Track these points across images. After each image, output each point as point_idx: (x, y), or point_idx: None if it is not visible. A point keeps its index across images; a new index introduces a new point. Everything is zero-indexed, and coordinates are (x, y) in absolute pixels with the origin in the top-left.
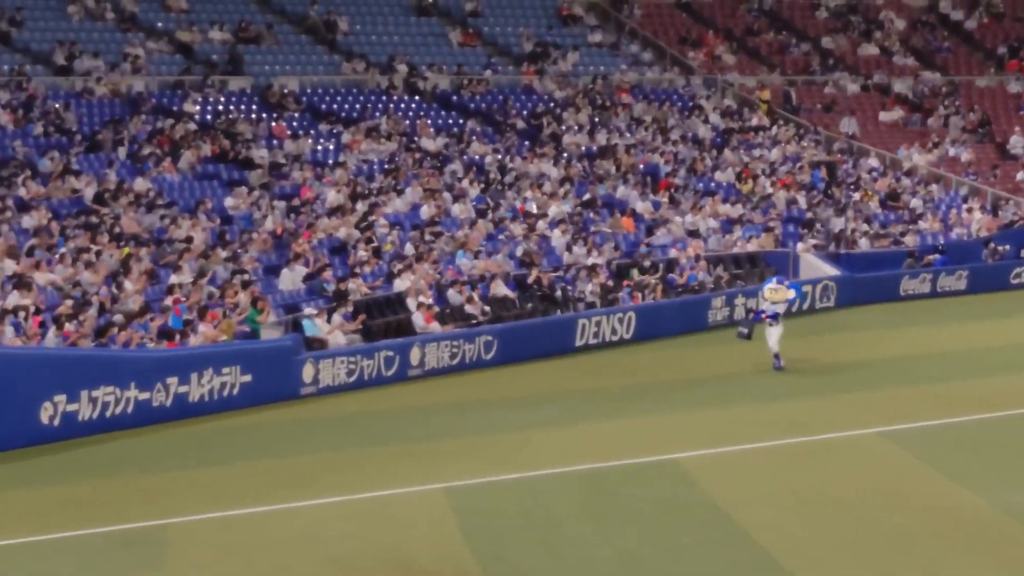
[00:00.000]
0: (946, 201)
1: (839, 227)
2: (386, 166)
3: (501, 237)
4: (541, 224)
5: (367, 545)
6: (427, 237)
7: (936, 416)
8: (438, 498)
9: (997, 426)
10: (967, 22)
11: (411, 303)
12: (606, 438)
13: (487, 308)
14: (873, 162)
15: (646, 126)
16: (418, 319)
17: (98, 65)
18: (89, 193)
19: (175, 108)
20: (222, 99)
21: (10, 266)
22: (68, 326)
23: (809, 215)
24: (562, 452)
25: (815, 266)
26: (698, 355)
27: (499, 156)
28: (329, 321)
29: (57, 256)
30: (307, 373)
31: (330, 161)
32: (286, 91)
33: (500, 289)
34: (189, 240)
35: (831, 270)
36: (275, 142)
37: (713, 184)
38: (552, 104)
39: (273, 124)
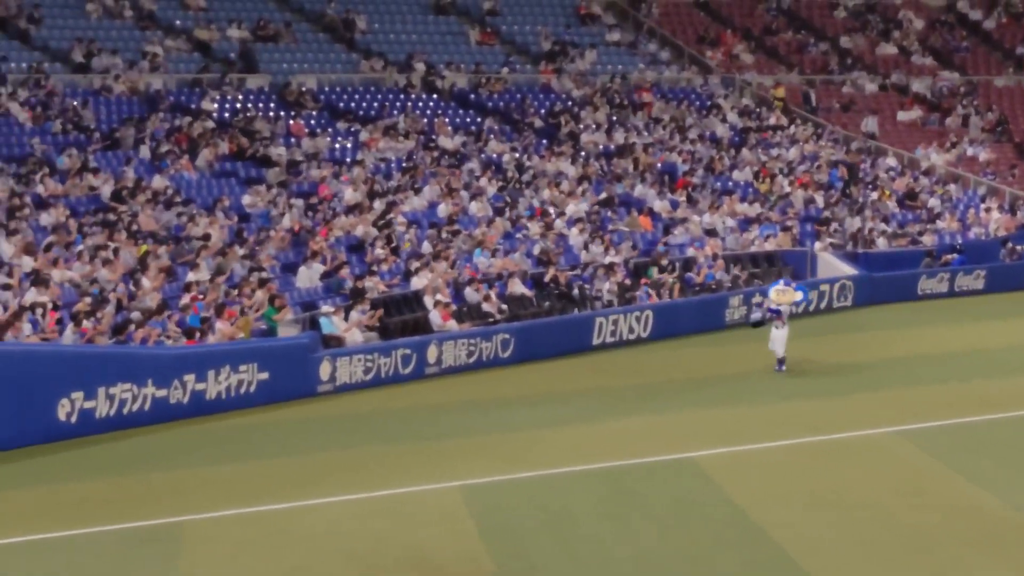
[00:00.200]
0: (964, 201)
1: (855, 226)
2: (404, 164)
3: (519, 235)
4: (559, 223)
5: (384, 543)
6: (444, 235)
7: (953, 416)
8: (454, 496)
9: (1014, 426)
10: (986, 22)
11: (428, 301)
12: (623, 436)
13: (504, 306)
14: (891, 161)
15: (664, 125)
16: (435, 317)
17: (116, 63)
18: (107, 191)
19: (193, 106)
20: (240, 97)
21: (28, 263)
22: (86, 323)
23: (826, 214)
24: (579, 450)
25: (833, 265)
26: (715, 354)
27: (517, 155)
28: (346, 319)
29: (75, 253)
30: (324, 371)
31: (348, 159)
32: (304, 89)
33: (517, 287)
34: (207, 238)
35: (849, 269)
36: (293, 140)
37: (731, 183)
38: (570, 103)
39: (291, 122)
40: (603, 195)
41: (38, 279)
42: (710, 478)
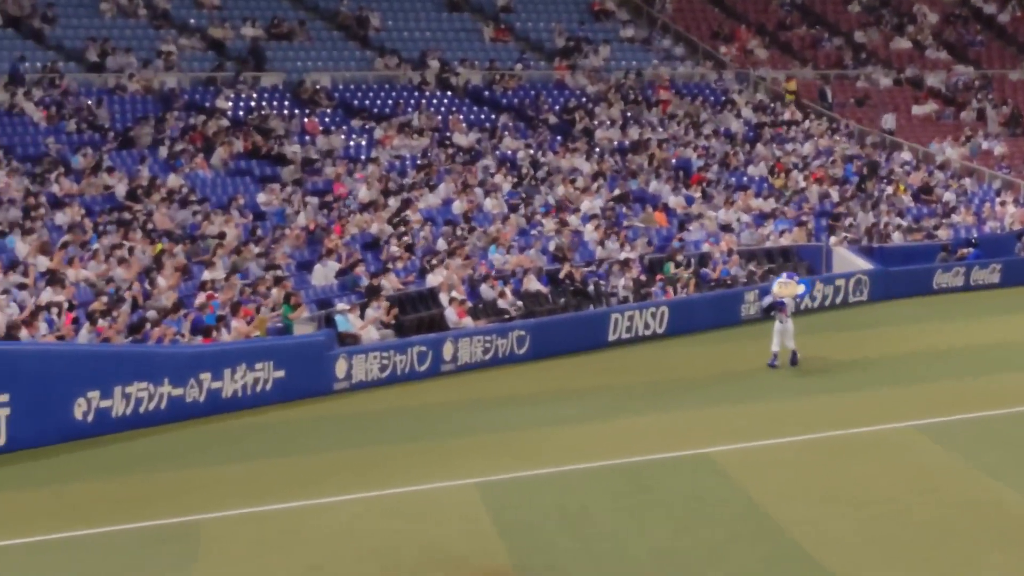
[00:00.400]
0: (979, 195)
1: (869, 221)
2: (418, 162)
3: (534, 232)
4: (573, 219)
5: (402, 540)
6: (459, 232)
7: (971, 410)
8: (471, 493)
9: None
10: (1000, 15)
11: (444, 298)
12: (639, 433)
13: (520, 303)
14: (906, 156)
15: (678, 121)
16: (451, 314)
17: (131, 62)
18: (122, 189)
19: (207, 104)
20: (254, 95)
21: (43, 263)
22: (101, 322)
23: (840, 209)
24: (595, 447)
25: (848, 260)
26: (731, 350)
27: (531, 151)
28: (362, 316)
29: (90, 252)
30: (340, 369)
31: (362, 157)
32: (318, 87)
33: (533, 284)
34: (222, 236)
35: (864, 264)
36: (307, 138)
37: (745, 178)
38: (584, 99)
39: (305, 120)
40: (617, 191)
41: (54, 278)
42: (726, 474)
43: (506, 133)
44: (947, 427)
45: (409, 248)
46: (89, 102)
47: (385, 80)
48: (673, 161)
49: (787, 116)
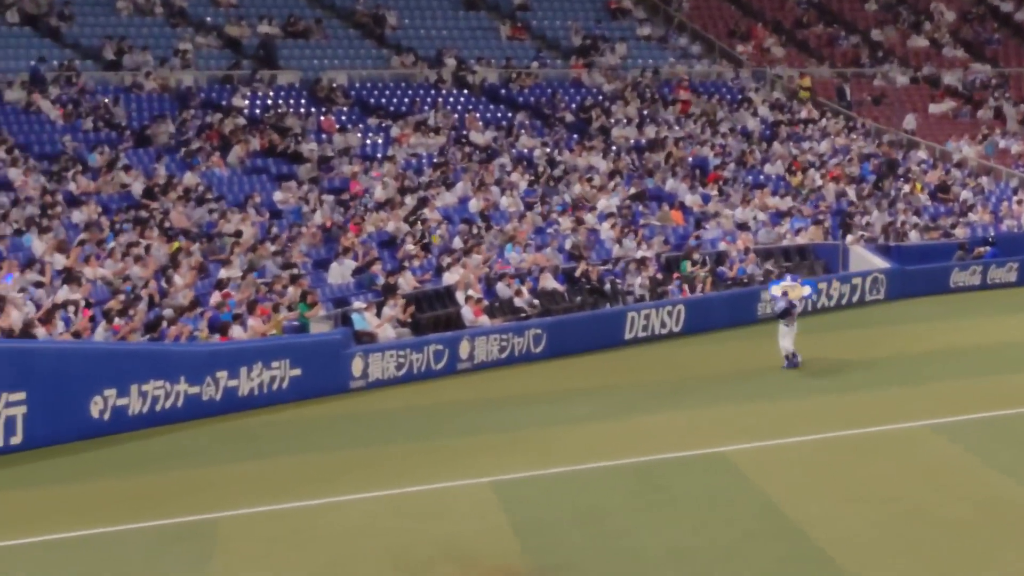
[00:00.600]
0: (996, 193)
1: (885, 220)
2: (435, 160)
3: (550, 230)
4: (590, 217)
5: (418, 538)
6: (476, 231)
7: (987, 409)
8: (487, 491)
9: None
10: (1017, 14)
11: (460, 296)
12: (655, 431)
13: (536, 301)
14: (923, 154)
15: (695, 119)
16: (467, 312)
17: (147, 60)
18: (138, 188)
19: (224, 103)
20: (271, 93)
21: (60, 261)
22: (118, 320)
23: (856, 208)
24: (611, 445)
25: (865, 259)
26: (747, 348)
27: (548, 149)
28: (378, 315)
29: (107, 251)
30: (356, 367)
31: (379, 155)
32: (335, 85)
33: (549, 282)
34: (238, 234)
35: (881, 263)
36: (324, 136)
37: (762, 177)
38: (601, 97)
39: (322, 118)
40: (634, 189)
41: (70, 277)
42: (742, 473)
43: (523, 131)
44: (963, 426)
45: (426, 247)
46: (106, 100)
47: (402, 78)
48: (690, 159)
49: (804, 114)
